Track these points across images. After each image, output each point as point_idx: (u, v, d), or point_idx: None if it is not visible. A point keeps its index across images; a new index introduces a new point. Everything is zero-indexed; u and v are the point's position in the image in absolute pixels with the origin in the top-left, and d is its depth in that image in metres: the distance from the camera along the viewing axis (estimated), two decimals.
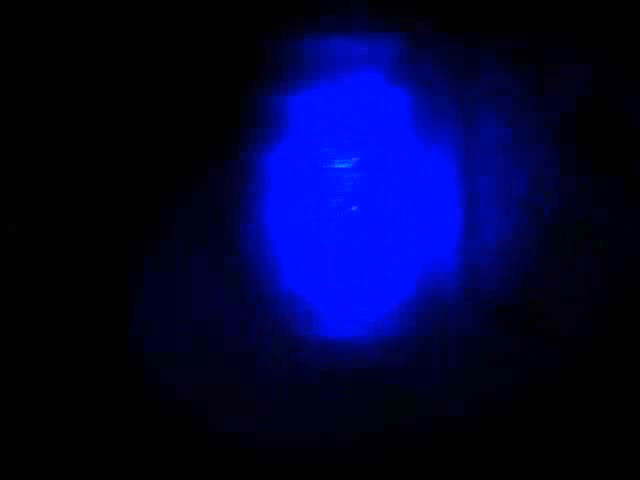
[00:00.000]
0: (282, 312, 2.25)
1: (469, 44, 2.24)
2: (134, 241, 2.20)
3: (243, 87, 2.24)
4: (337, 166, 2.29)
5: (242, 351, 2.22)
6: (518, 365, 2.20)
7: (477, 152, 2.24)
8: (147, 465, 2.14)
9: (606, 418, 2.15)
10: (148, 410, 2.16)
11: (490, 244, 2.22)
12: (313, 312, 2.27)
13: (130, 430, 2.15)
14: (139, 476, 2.13)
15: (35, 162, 2.20)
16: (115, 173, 2.21)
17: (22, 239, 2.18)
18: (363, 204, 2.29)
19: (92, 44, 2.20)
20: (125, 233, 2.20)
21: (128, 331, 2.18)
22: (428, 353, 2.23)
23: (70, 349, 2.17)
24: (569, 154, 2.21)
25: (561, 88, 2.21)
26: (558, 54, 2.21)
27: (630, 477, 2.10)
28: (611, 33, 2.19)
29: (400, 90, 2.27)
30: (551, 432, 2.16)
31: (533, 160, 2.23)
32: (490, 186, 2.24)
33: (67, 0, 2.18)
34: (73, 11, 2.19)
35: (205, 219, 2.23)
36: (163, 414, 2.15)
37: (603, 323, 2.19)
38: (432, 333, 2.23)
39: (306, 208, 2.29)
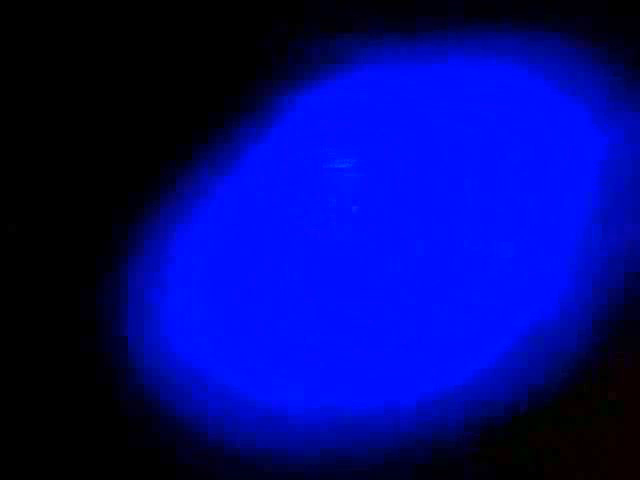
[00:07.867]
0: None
1: (470, 44, 2.24)
2: (132, 242, 2.21)
3: (243, 87, 2.25)
4: (337, 166, 2.29)
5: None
6: None
7: (477, 153, 2.25)
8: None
9: None
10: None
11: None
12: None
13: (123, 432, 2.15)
14: None
15: (35, 162, 2.21)
16: (113, 173, 2.22)
17: (22, 239, 2.19)
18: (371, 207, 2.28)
19: (90, 43, 2.21)
20: (123, 234, 2.21)
21: (127, 331, 2.19)
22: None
23: (71, 349, 2.18)
24: None
25: None
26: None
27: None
28: None
29: (401, 90, 2.28)
30: None
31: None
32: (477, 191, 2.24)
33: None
34: (72, 9, 2.20)
35: (204, 220, 2.23)
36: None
37: None
38: None
39: (307, 209, 2.29)
